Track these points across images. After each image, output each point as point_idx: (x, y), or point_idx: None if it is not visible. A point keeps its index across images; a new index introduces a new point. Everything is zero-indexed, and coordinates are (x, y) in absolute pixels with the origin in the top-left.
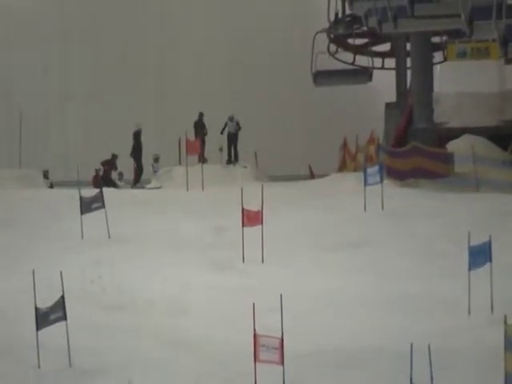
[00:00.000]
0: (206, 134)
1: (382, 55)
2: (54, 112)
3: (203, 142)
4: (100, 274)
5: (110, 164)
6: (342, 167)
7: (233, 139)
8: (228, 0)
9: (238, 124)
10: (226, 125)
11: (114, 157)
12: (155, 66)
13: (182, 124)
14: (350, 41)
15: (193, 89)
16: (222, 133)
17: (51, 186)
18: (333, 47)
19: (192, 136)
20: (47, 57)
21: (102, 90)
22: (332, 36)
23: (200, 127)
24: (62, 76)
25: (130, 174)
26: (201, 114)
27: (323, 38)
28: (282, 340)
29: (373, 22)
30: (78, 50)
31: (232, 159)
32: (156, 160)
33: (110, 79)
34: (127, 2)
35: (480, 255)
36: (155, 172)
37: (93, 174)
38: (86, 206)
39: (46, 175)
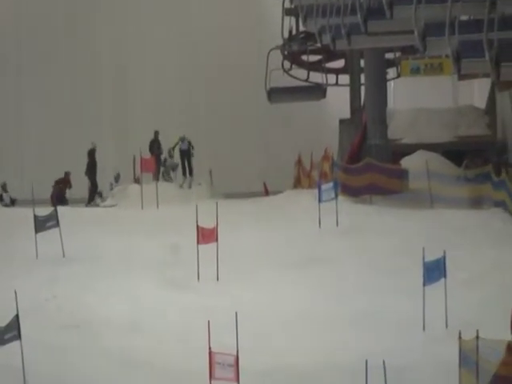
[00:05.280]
0: (161, 153)
1: (336, 72)
2: (8, 130)
3: (159, 160)
4: (55, 292)
5: (65, 182)
6: (297, 184)
7: (185, 154)
8: (183, 19)
9: (190, 143)
10: (176, 144)
11: (67, 174)
12: (111, 84)
13: (138, 142)
14: (304, 57)
15: (149, 107)
16: (173, 149)
17: (12, 202)
18: (287, 64)
19: (147, 154)
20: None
21: (57, 107)
22: (286, 53)
23: (155, 145)
24: (15, 93)
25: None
26: (156, 133)
27: (277, 55)
28: (237, 357)
29: (326, 38)
30: (31, 66)
31: (186, 172)
32: (116, 178)
33: (64, 97)
34: (80, 18)
35: (434, 271)
36: (111, 190)
37: (50, 192)
38: (41, 224)
39: (4, 188)
